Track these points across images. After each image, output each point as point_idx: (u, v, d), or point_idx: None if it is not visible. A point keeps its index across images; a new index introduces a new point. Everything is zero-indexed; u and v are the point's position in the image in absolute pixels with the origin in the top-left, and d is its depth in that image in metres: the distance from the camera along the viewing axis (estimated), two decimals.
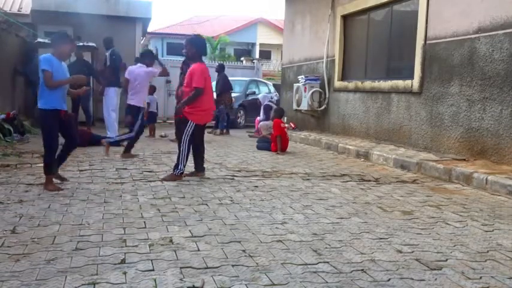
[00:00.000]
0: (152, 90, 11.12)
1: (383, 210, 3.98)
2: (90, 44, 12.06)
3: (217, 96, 11.40)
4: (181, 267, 2.52)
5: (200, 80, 5.14)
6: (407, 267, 2.63)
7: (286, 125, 9.53)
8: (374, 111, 8.42)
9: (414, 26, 7.27)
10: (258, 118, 11.07)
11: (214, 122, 11.55)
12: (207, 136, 10.99)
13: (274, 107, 10.18)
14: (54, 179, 4.60)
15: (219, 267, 2.54)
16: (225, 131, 11.35)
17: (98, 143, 7.96)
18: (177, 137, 5.76)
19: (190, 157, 5.33)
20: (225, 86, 11.35)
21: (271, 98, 12.96)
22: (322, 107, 10.14)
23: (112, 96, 8.71)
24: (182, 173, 5.16)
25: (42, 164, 5.78)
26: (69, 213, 3.58)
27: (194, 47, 5.31)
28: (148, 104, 10.82)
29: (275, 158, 7.13)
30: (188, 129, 5.18)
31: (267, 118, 10.20)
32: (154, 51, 8.24)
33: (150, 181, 4.99)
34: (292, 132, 9.98)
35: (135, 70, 7.02)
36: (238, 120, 13.75)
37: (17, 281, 2.29)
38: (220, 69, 11.67)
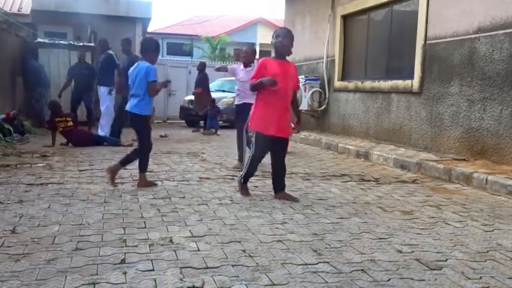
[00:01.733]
0: None
1: (383, 210, 3.98)
2: (91, 44, 12.07)
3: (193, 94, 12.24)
4: (181, 267, 2.52)
5: None
6: (407, 267, 2.63)
7: None
8: (374, 111, 8.43)
9: (414, 26, 7.27)
10: None
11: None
12: (206, 136, 11.07)
13: None
14: (108, 180, 4.61)
15: (219, 267, 2.54)
16: (209, 130, 11.49)
17: (99, 143, 7.96)
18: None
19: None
20: (199, 85, 11.71)
21: None
22: (322, 107, 10.14)
23: (103, 92, 8.88)
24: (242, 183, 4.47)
25: (42, 164, 5.83)
26: (69, 213, 3.58)
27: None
28: None
29: None
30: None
31: None
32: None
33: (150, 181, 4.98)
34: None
35: None
36: None
37: (17, 281, 2.29)
38: (201, 68, 11.99)
